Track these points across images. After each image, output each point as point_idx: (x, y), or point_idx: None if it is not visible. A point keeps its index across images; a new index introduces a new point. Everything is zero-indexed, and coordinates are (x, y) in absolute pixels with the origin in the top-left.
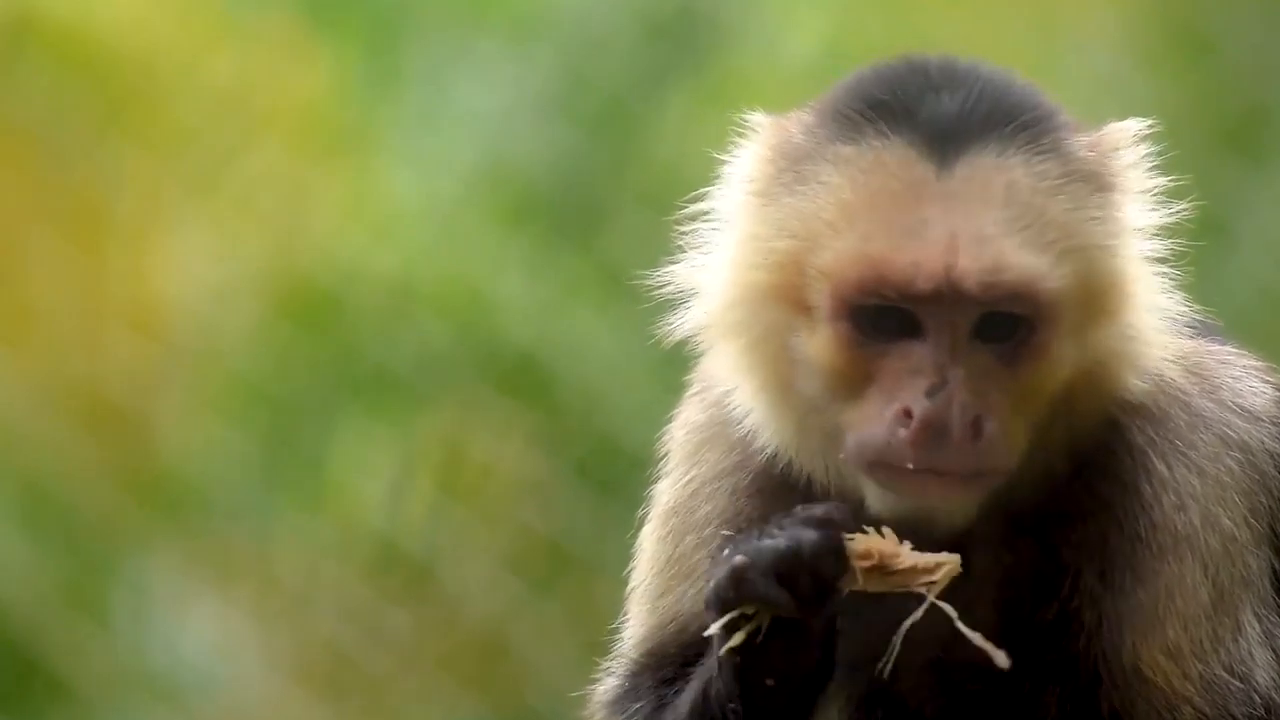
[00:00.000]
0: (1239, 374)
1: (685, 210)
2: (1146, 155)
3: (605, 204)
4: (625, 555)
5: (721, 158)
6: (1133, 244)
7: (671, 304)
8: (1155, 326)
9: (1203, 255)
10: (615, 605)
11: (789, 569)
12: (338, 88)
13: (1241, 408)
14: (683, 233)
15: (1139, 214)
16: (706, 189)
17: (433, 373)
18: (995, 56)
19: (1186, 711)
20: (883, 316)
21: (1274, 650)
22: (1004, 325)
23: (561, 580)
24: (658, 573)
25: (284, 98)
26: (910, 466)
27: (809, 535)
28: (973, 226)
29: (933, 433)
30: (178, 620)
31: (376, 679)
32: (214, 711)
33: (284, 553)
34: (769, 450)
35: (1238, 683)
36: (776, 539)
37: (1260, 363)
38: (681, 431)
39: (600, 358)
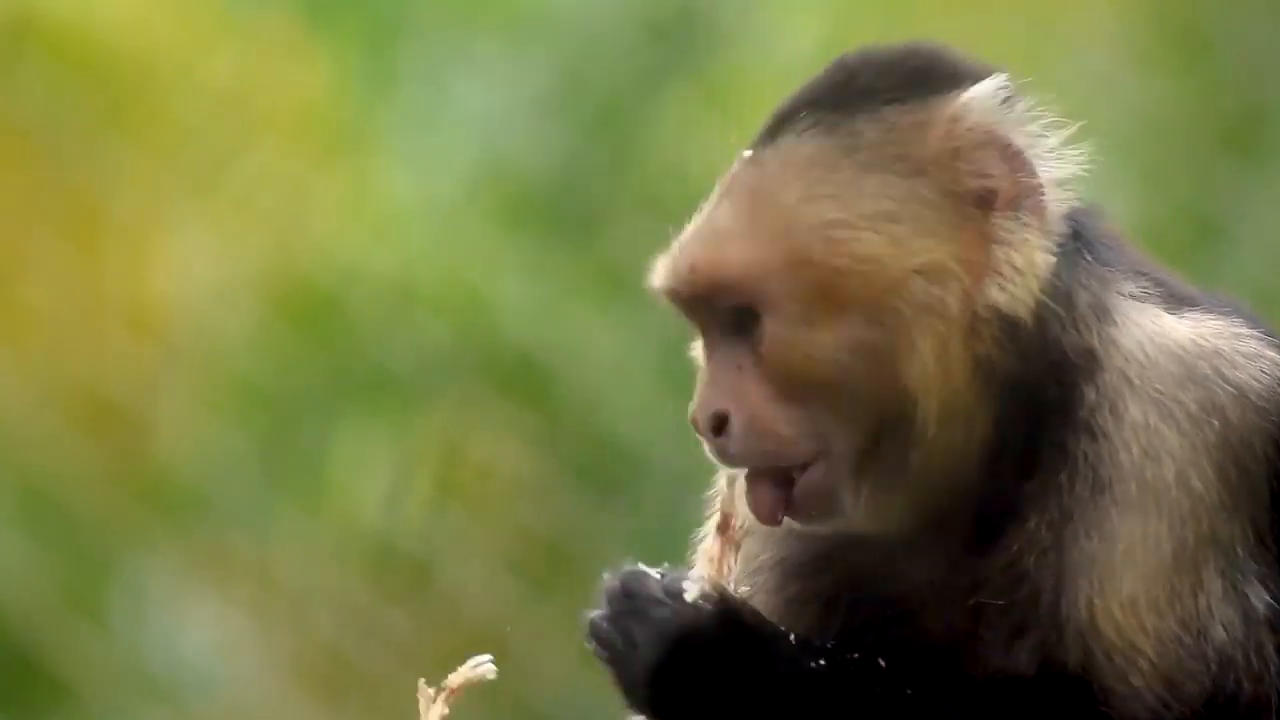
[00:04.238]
0: (1250, 351)
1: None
2: (1009, 113)
3: (604, 204)
4: (625, 555)
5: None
6: (929, 217)
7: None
8: (1007, 305)
9: (1202, 255)
10: None
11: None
12: (337, 88)
13: (1237, 381)
14: None
15: (966, 181)
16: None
17: (432, 373)
18: (992, 56)
19: (1142, 665)
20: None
21: (1242, 610)
22: (742, 318)
23: (561, 580)
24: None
25: (283, 98)
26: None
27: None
28: (712, 221)
29: (697, 431)
30: (177, 620)
31: (376, 679)
32: (213, 711)
33: (283, 553)
34: None
35: (1190, 639)
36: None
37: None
38: None
39: (600, 358)
